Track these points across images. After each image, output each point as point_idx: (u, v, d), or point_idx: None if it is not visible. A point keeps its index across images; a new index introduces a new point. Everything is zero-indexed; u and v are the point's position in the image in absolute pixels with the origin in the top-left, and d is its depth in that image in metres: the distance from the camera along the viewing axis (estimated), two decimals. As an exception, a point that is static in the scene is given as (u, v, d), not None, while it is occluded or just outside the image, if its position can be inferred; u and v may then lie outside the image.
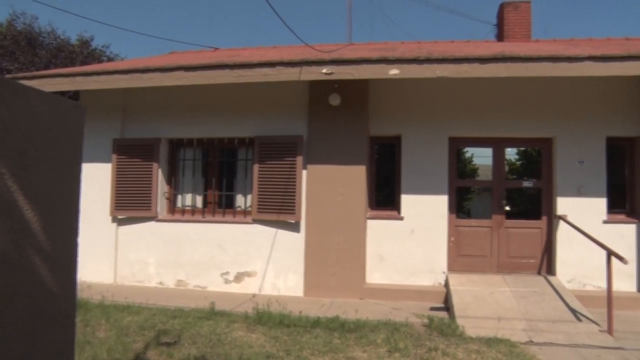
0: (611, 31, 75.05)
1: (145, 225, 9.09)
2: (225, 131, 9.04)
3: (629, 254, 8.04)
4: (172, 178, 9.36)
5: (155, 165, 9.05)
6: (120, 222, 9.17)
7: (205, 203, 9.31)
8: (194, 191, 9.38)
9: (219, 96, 8.97)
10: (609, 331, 6.19)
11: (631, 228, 8.33)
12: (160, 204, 9.14)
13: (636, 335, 6.28)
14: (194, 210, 9.27)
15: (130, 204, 9.04)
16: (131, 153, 9.11)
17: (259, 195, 8.68)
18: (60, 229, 1.82)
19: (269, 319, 6.33)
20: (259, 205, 8.67)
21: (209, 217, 9.10)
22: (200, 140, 9.28)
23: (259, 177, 8.69)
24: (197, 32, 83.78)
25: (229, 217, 9.04)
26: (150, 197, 9.01)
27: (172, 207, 9.36)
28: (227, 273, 8.78)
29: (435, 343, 5.54)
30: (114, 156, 9.12)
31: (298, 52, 9.08)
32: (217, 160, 9.34)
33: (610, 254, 6.52)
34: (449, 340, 5.72)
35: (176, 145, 9.44)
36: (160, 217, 9.10)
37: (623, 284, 8.10)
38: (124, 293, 7.95)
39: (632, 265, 8.11)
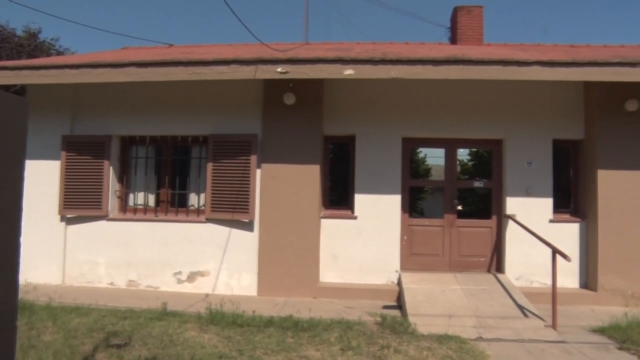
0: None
1: (95, 225, 8.87)
2: (179, 129, 8.91)
3: (573, 251, 8.38)
4: (124, 176, 9.17)
5: (106, 162, 8.84)
6: (70, 221, 8.91)
7: (158, 202, 9.16)
8: (147, 190, 9.20)
9: (173, 93, 8.83)
10: (553, 326, 6.45)
11: (575, 227, 8.65)
12: (112, 203, 8.94)
13: (578, 329, 6.58)
14: (146, 209, 9.10)
15: (80, 203, 8.80)
16: (81, 150, 8.87)
17: (212, 194, 8.60)
18: (0, 228, 1.75)
19: (222, 318, 6.29)
20: (212, 204, 8.59)
21: (161, 216, 8.95)
22: (153, 137, 9.11)
23: (213, 176, 8.61)
24: (152, 28, 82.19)
25: (182, 216, 8.91)
26: (101, 195, 8.79)
27: (124, 206, 9.17)
28: (179, 273, 8.66)
29: (388, 341, 5.61)
30: (63, 153, 8.86)
31: (254, 50, 9.04)
32: (170, 158, 9.19)
33: (555, 252, 6.76)
34: (401, 337, 5.81)
35: (128, 143, 9.25)
36: (111, 216, 8.90)
37: (567, 280, 8.44)
38: (72, 294, 7.73)
39: (576, 262, 8.44)
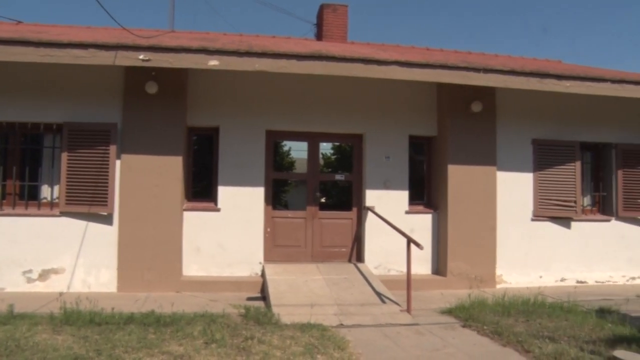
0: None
1: None
2: (29, 115, 8.24)
3: (426, 241, 9.05)
4: (-37, 166, 8.35)
5: (-60, 151, 8.00)
6: None
7: (4, 194, 8.43)
8: (-9, 181, 8.44)
9: (22, 76, 8.17)
10: (408, 310, 6.93)
11: (428, 217, 9.34)
12: (-53, 196, 8.11)
13: (429, 312, 7.15)
14: (-11, 202, 8.36)
15: None
16: None
17: (67, 186, 8.11)
18: None
19: (77, 318, 5.96)
20: (67, 196, 8.10)
21: (8, 209, 8.25)
22: (-3, 124, 8.37)
23: (68, 167, 8.12)
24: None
25: (32, 210, 8.29)
26: None
27: (-37, 199, 8.35)
28: (30, 271, 8.06)
29: (252, 332, 5.65)
30: None
31: (115, 35, 8.62)
32: (18, 147, 8.47)
33: (409, 241, 7.23)
34: (265, 328, 5.89)
35: (-32, 130, 8.42)
36: (-54, 210, 8.08)
37: (421, 267, 9.10)
38: None
39: (428, 250, 9.12)
